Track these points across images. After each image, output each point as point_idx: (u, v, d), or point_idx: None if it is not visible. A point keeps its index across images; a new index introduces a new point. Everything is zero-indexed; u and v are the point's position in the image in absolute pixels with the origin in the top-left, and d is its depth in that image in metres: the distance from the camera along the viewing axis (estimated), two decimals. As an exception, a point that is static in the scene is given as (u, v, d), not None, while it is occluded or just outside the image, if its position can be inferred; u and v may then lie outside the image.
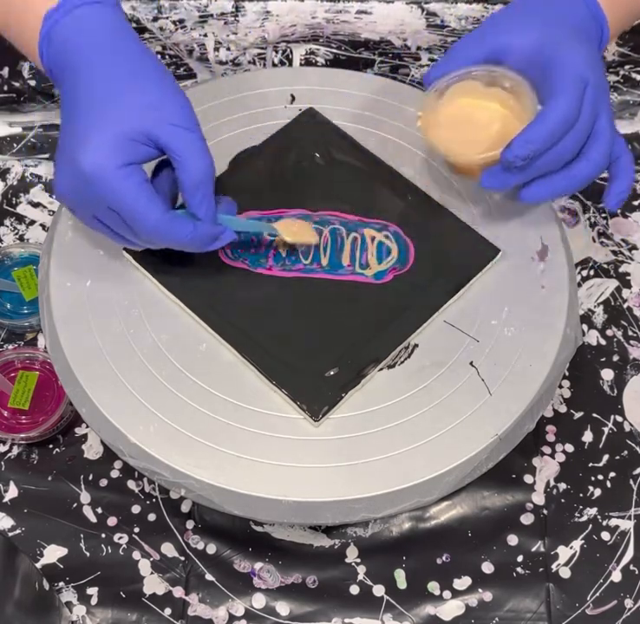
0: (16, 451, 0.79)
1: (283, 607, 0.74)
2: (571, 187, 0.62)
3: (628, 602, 0.74)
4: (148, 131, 0.56)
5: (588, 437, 0.80)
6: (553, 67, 0.59)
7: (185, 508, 0.77)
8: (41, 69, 0.61)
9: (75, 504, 0.77)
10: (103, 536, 0.76)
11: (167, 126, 0.56)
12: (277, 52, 0.89)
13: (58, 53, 0.58)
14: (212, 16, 0.85)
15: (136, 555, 0.75)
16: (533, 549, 0.76)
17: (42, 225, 0.90)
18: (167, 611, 0.73)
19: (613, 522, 0.76)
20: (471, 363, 0.63)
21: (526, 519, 0.77)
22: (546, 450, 0.79)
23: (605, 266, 0.87)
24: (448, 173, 0.70)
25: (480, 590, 0.74)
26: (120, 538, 0.76)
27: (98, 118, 0.55)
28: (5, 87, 0.91)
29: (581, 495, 0.78)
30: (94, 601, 0.74)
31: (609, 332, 0.84)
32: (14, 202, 0.91)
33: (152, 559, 0.75)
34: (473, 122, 0.64)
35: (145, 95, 0.56)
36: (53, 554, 0.75)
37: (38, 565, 0.74)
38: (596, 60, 0.61)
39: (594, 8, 0.63)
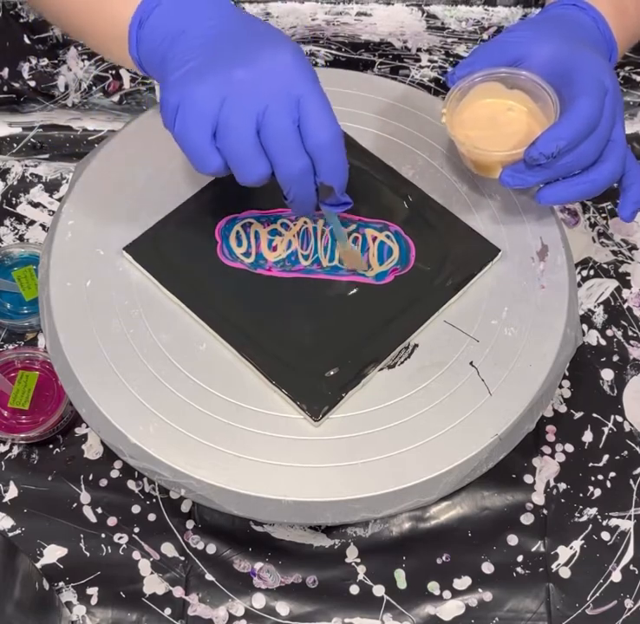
0: (16, 451, 0.79)
1: (283, 607, 0.74)
2: (589, 191, 0.62)
3: (628, 602, 0.74)
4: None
5: (588, 437, 0.80)
6: (576, 71, 0.60)
7: (185, 508, 0.77)
8: (132, 65, 0.60)
9: (75, 504, 0.77)
10: (103, 536, 0.76)
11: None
12: (277, 52, 0.89)
13: (156, 33, 0.57)
14: (212, 16, 0.85)
15: (136, 555, 0.75)
16: (533, 549, 0.76)
17: (42, 225, 0.90)
18: (167, 611, 0.73)
19: (613, 522, 0.77)
20: (471, 363, 0.63)
21: (526, 519, 0.77)
22: (546, 450, 0.79)
23: (605, 266, 0.87)
24: (449, 173, 0.70)
25: (480, 590, 0.74)
26: (120, 538, 0.76)
27: (273, 33, 0.54)
28: (5, 88, 0.92)
29: (581, 495, 0.78)
30: (94, 601, 0.74)
31: (609, 332, 0.84)
32: (14, 202, 0.91)
33: (152, 559, 0.75)
34: (496, 122, 0.65)
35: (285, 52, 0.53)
36: (53, 554, 0.75)
37: (38, 565, 0.74)
38: (612, 71, 0.62)
39: (607, 33, 0.65)
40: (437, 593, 0.74)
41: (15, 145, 0.94)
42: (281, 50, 0.53)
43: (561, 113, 0.60)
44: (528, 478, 0.78)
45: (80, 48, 0.90)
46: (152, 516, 0.76)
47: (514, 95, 0.65)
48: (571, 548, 0.76)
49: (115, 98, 0.93)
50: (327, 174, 0.55)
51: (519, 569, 0.75)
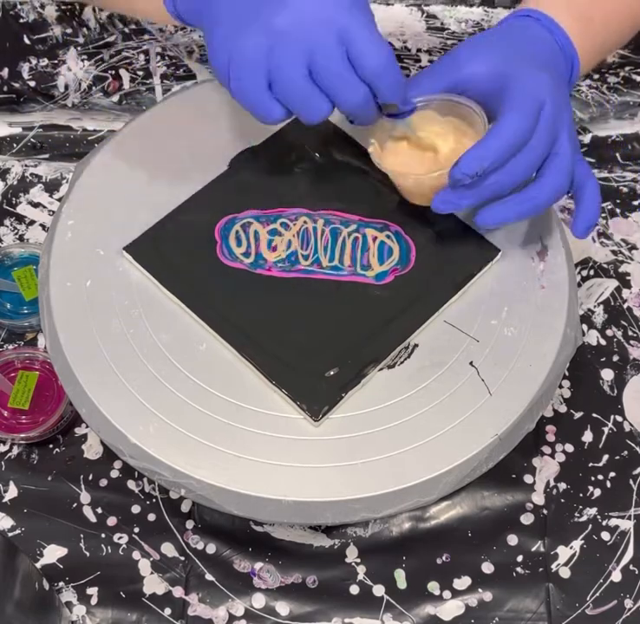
0: (16, 451, 0.79)
1: (283, 607, 0.74)
2: (531, 210, 0.60)
3: (628, 602, 0.74)
4: None
5: (588, 437, 0.80)
6: (506, 89, 0.59)
7: (185, 508, 0.77)
8: (167, 18, 0.59)
9: (74, 504, 0.77)
10: (103, 536, 0.76)
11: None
12: (277, 52, 0.88)
13: None
14: (212, 16, 0.85)
15: (136, 555, 0.75)
16: (533, 549, 0.76)
17: (42, 225, 0.90)
18: (167, 611, 0.73)
19: (613, 522, 0.77)
20: (471, 363, 0.63)
21: (526, 519, 0.77)
22: (546, 450, 0.79)
23: (605, 266, 0.87)
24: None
25: (480, 590, 0.74)
26: (120, 538, 0.76)
27: None
28: (5, 88, 0.92)
29: (581, 495, 0.78)
30: (94, 601, 0.74)
31: (609, 332, 0.84)
32: (14, 202, 0.91)
33: (152, 559, 0.75)
34: (427, 149, 0.64)
35: None
36: (53, 554, 0.75)
37: (38, 565, 0.74)
38: (557, 86, 0.60)
39: (561, 39, 0.63)
40: (437, 593, 0.74)
41: (15, 145, 0.94)
42: None
43: (489, 128, 0.59)
44: (528, 478, 0.78)
45: (79, 48, 0.90)
46: (152, 516, 0.76)
47: (448, 122, 0.64)
48: (571, 548, 0.76)
49: (115, 98, 0.93)
50: (386, 96, 0.56)
51: (519, 569, 0.75)
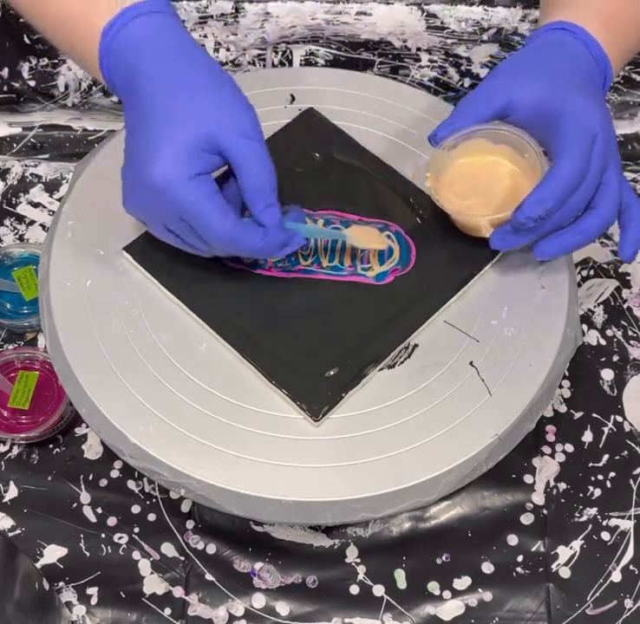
0: (16, 451, 0.79)
1: (283, 607, 0.74)
2: (582, 242, 0.61)
3: (628, 602, 0.74)
4: (215, 140, 0.55)
5: (588, 437, 0.80)
6: (560, 123, 0.59)
7: (185, 508, 0.77)
8: (103, 84, 0.61)
9: (75, 504, 0.77)
10: (103, 536, 0.76)
11: (232, 134, 0.55)
12: (276, 53, 0.89)
13: (119, 65, 0.58)
14: (211, 17, 0.85)
15: (136, 555, 0.75)
16: (533, 549, 0.76)
17: (42, 225, 0.90)
18: (167, 611, 0.73)
19: (613, 522, 0.77)
20: (471, 363, 0.63)
21: (526, 519, 0.77)
22: (546, 450, 0.79)
23: (605, 266, 0.87)
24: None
25: (480, 590, 0.74)
26: (120, 538, 0.76)
27: (165, 130, 0.55)
28: (5, 88, 0.92)
29: (581, 495, 0.78)
30: (94, 601, 0.74)
31: (609, 332, 0.84)
32: (14, 202, 0.91)
33: (152, 559, 0.75)
34: (482, 181, 0.65)
35: (210, 105, 0.56)
36: (53, 554, 0.75)
37: (38, 565, 0.74)
38: (603, 110, 0.60)
39: (596, 51, 0.63)
40: (437, 593, 0.74)
41: (15, 145, 0.94)
42: (155, 166, 0.55)
43: (548, 170, 0.59)
44: (528, 478, 0.78)
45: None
46: (152, 516, 0.76)
47: (500, 151, 0.64)
48: (571, 548, 0.76)
49: (115, 98, 0.93)
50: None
51: (519, 569, 0.75)
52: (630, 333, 0.84)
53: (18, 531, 0.76)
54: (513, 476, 0.78)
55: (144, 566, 0.75)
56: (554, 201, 0.57)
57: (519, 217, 0.58)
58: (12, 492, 0.77)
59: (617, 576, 0.75)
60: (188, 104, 0.56)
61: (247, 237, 0.57)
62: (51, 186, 0.91)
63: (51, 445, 0.79)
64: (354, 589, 0.74)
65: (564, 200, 0.58)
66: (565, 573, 0.75)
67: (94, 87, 0.93)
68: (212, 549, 0.75)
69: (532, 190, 0.58)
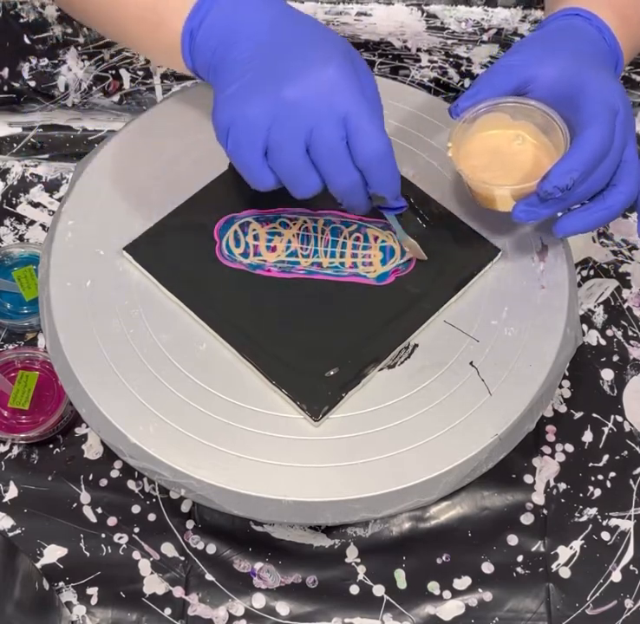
0: (16, 451, 0.79)
1: (283, 607, 0.74)
2: (606, 218, 0.61)
3: (628, 602, 0.74)
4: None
5: (588, 437, 0.80)
6: (584, 96, 0.59)
7: (185, 508, 0.77)
8: (184, 70, 0.60)
9: (75, 504, 0.77)
10: (103, 536, 0.76)
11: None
12: (277, 52, 0.88)
13: (217, 37, 0.57)
14: (212, 16, 0.85)
15: (136, 555, 0.75)
16: (533, 549, 0.76)
17: (42, 225, 0.90)
18: (167, 611, 0.73)
19: (613, 522, 0.77)
20: (471, 363, 0.63)
21: (526, 519, 0.77)
22: (546, 450, 0.79)
23: (605, 266, 0.87)
24: (449, 173, 0.70)
25: (480, 590, 0.74)
26: (120, 538, 0.76)
27: (322, 43, 0.54)
28: (5, 87, 0.92)
29: (581, 495, 0.78)
30: (94, 601, 0.74)
31: (609, 332, 0.84)
32: (14, 202, 0.91)
33: (152, 559, 0.75)
34: (504, 154, 0.64)
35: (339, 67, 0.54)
36: (53, 554, 0.75)
37: (38, 565, 0.74)
38: (622, 89, 0.60)
39: (612, 42, 0.63)
40: (437, 593, 0.74)
41: (15, 145, 0.94)
42: (328, 65, 0.53)
43: (572, 142, 0.59)
44: (528, 478, 0.78)
45: (80, 48, 0.90)
46: (152, 516, 0.76)
47: (521, 125, 0.64)
48: (571, 548, 0.76)
49: (115, 98, 0.93)
50: (377, 186, 0.57)
51: (519, 569, 0.75)
52: (630, 333, 0.84)
53: (18, 531, 0.76)
54: (513, 476, 0.78)
55: (144, 566, 0.75)
56: (581, 171, 0.57)
57: (546, 185, 0.58)
58: (12, 492, 0.77)
59: (617, 576, 0.75)
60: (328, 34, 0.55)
61: (392, 158, 0.55)
62: (51, 186, 0.91)
63: (51, 445, 0.79)
64: (354, 589, 0.74)
65: (591, 172, 0.58)
66: (565, 573, 0.75)
67: (94, 88, 0.93)
68: (212, 549, 0.75)
69: (560, 159, 0.58)
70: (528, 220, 0.61)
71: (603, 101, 0.58)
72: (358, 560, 0.75)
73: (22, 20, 0.87)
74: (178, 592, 0.74)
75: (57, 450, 0.79)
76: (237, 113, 0.54)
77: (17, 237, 0.89)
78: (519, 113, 0.63)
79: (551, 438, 0.80)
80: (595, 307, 0.86)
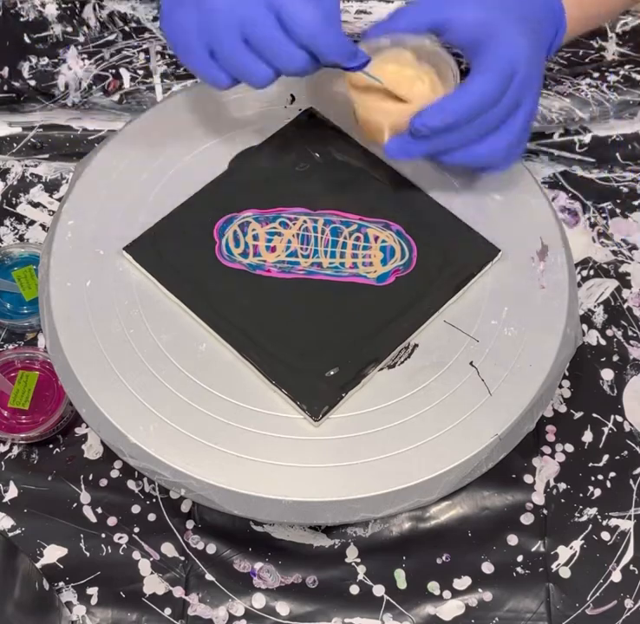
0: (16, 451, 0.79)
1: (283, 607, 0.74)
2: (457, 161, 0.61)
3: (628, 602, 0.74)
4: None
5: (588, 437, 0.80)
6: (486, 46, 0.58)
7: (185, 508, 0.77)
8: None
9: (75, 504, 0.77)
10: (103, 536, 0.76)
11: None
12: (277, 52, 0.88)
13: None
14: (212, 16, 0.85)
15: (136, 555, 0.75)
16: (533, 549, 0.76)
17: (42, 225, 0.90)
18: (167, 611, 0.73)
19: (613, 522, 0.76)
20: (471, 363, 0.63)
21: (526, 519, 0.77)
22: (546, 450, 0.79)
23: (605, 266, 0.87)
24: (449, 173, 0.70)
25: (480, 590, 0.74)
26: (120, 538, 0.76)
27: None
28: (5, 87, 0.91)
29: (581, 495, 0.78)
30: (94, 601, 0.74)
31: (609, 332, 0.84)
32: (14, 202, 0.91)
33: (152, 559, 0.75)
34: (394, 89, 0.63)
35: None
36: (53, 554, 0.75)
37: (38, 565, 0.74)
38: (535, 54, 0.59)
39: (557, 6, 0.62)
40: (437, 593, 0.74)
41: (15, 145, 0.94)
42: None
43: (459, 85, 0.58)
44: (528, 478, 0.78)
45: (80, 47, 0.90)
46: (152, 516, 0.76)
47: (420, 66, 0.63)
48: (571, 548, 0.76)
49: (115, 97, 0.93)
50: (326, 57, 0.56)
51: (519, 569, 0.75)
52: (630, 333, 0.84)
53: (18, 531, 0.76)
54: (513, 476, 0.78)
55: (144, 566, 0.75)
56: (455, 117, 0.56)
57: (416, 122, 0.58)
58: (12, 492, 0.77)
59: (617, 576, 0.75)
60: None
61: (331, 29, 0.55)
62: (51, 186, 0.91)
63: (51, 445, 0.79)
64: (354, 589, 0.74)
65: (466, 120, 0.57)
66: (565, 573, 0.75)
67: (94, 87, 0.93)
68: (212, 549, 0.75)
69: (437, 99, 0.57)
70: (399, 156, 0.61)
71: (502, 55, 0.57)
72: (358, 560, 0.75)
73: (22, 19, 0.87)
74: (178, 592, 0.74)
75: (57, 450, 0.79)
76: (171, 24, 0.57)
77: (17, 237, 0.89)
78: (422, 55, 0.62)
79: (551, 438, 0.80)
80: (595, 307, 0.86)
